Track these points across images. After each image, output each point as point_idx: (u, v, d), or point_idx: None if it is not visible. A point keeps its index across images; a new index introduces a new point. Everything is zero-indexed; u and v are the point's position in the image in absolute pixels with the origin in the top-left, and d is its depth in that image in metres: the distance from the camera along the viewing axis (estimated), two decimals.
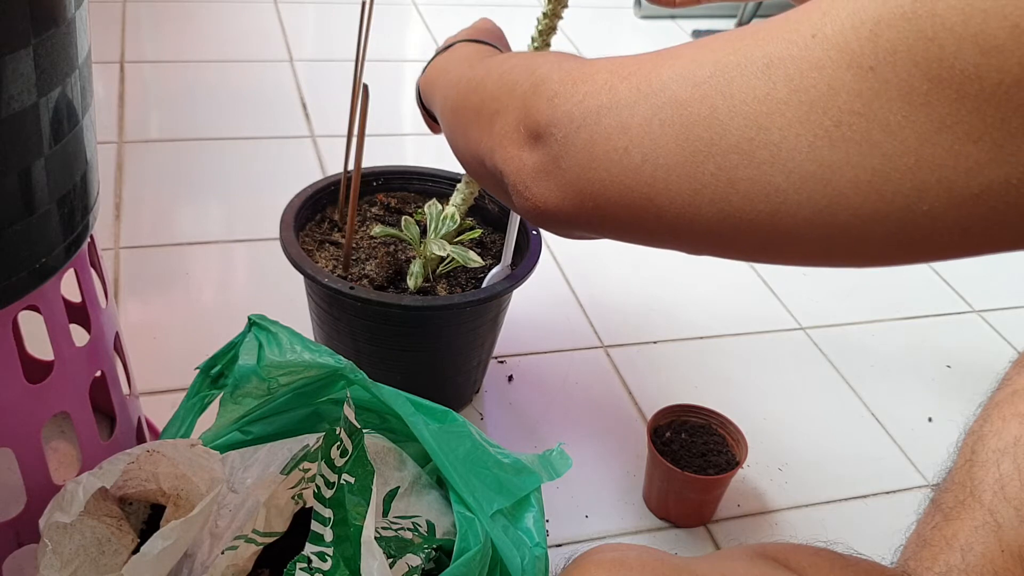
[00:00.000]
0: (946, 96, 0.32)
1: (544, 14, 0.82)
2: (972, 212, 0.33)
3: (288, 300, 1.08)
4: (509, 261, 0.97)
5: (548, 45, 0.84)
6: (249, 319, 0.68)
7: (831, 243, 0.38)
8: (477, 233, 0.97)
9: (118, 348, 0.78)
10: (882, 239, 0.36)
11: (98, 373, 0.73)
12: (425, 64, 0.76)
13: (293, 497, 0.59)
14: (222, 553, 0.56)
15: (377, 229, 0.94)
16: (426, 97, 0.73)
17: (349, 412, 0.55)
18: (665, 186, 0.41)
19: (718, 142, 0.38)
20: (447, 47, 0.73)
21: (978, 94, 0.31)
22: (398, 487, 0.64)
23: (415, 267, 0.91)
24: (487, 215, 1.05)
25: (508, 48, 0.76)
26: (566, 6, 0.83)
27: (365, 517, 0.54)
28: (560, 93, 0.46)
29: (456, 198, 0.95)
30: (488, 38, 0.74)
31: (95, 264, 0.73)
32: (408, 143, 1.50)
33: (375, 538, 0.53)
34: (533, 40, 0.83)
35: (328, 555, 0.54)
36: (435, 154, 1.40)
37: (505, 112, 0.51)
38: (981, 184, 0.32)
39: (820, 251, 0.39)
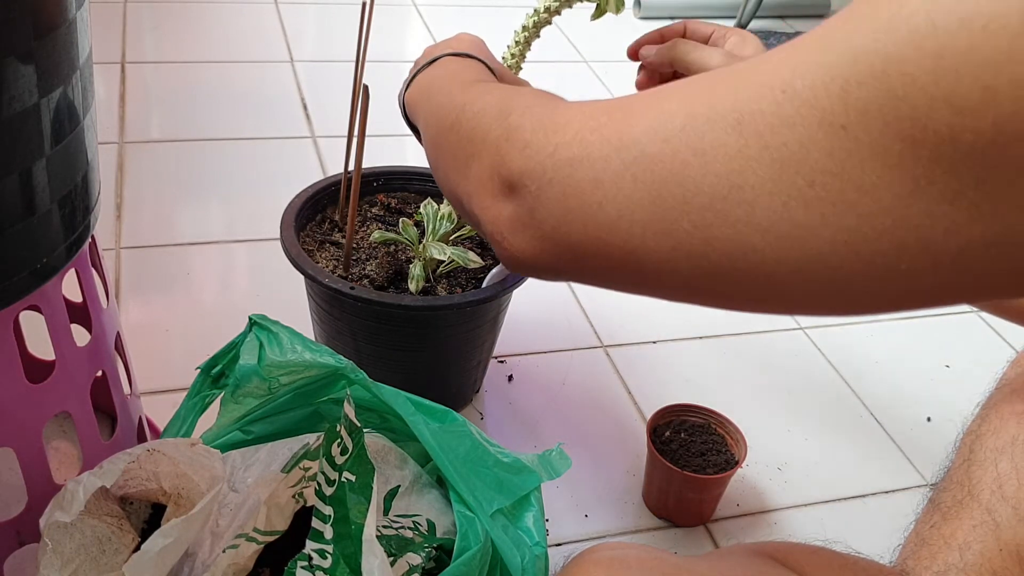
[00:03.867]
0: (920, 156, 0.31)
1: (545, 8, 0.82)
2: (953, 271, 0.33)
3: (288, 300, 1.08)
4: None
5: (538, 36, 0.84)
6: (250, 319, 0.68)
7: (813, 299, 0.37)
8: (475, 231, 0.97)
9: (119, 348, 0.78)
10: (864, 295, 0.36)
11: (99, 373, 0.73)
12: (407, 78, 0.74)
13: (294, 496, 0.59)
14: (223, 552, 0.56)
15: (376, 235, 0.94)
16: (411, 115, 0.72)
17: (349, 410, 0.55)
18: (642, 242, 0.40)
19: (691, 200, 0.38)
20: (432, 60, 0.72)
21: (953, 155, 0.30)
22: (399, 486, 0.64)
23: (415, 269, 0.91)
24: None
25: (491, 58, 0.75)
26: (549, 23, 0.83)
27: (366, 515, 0.54)
28: (532, 143, 0.45)
29: None
30: (471, 51, 0.74)
31: (96, 264, 0.74)
32: (408, 143, 1.50)
33: (376, 536, 0.53)
34: (524, 29, 0.83)
35: (328, 552, 0.55)
36: None
37: (480, 158, 0.50)
38: (960, 244, 0.32)
39: (803, 306, 0.39)
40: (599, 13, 0.81)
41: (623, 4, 0.80)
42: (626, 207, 0.40)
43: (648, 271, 0.41)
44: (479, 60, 0.72)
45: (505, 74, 0.75)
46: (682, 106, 0.39)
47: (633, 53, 0.82)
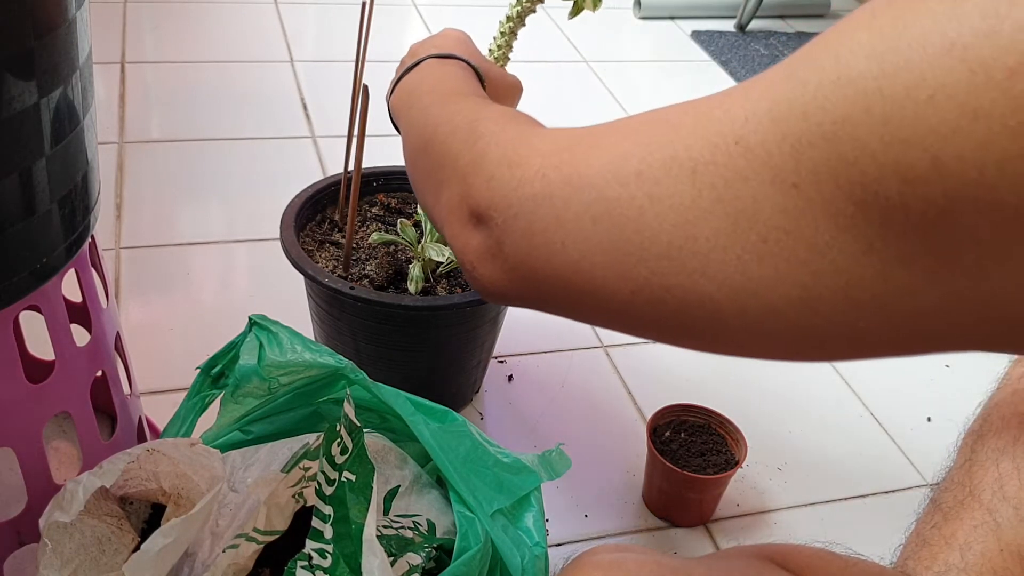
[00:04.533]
0: (872, 220, 0.31)
1: (513, 15, 0.82)
2: (909, 330, 0.32)
3: (288, 300, 1.08)
4: None
5: (523, 24, 0.83)
6: (250, 319, 0.68)
7: (772, 348, 0.37)
8: None
9: (119, 348, 0.78)
10: (822, 347, 0.35)
11: (99, 373, 0.73)
12: (392, 81, 0.74)
13: (294, 495, 0.59)
14: (223, 552, 0.56)
15: (374, 236, 0.94)
16: (395, 121, 0.72)
17: (349, 410, 0.55)
18: (603, 283, 0.40)
19: (648, 247, 0.37)
20: (415, 63, 0.71)
21: (904, 222, 0.30)
22: (399, 486, 0.64)
23: (415, 270, 0.91)
24: None
25: (476, 54, 0.75)
26: (533, 11, 0.83)
27: (366, 515, 0.54)
28: (496, 176, 0.45)
29: None
30: (455, 49, 0.73)
31: (96, 264, 0.74)
32: None
33: (376, 536, 0.53)
34: (509, 19, 0.83)
35: (328, 552, 0.55)
36: None
37: (449, 185, 0.50)
38: (914, 307, 0.31)
39: (762, 352, 0.38)
40: (576, 11, 0.81)
41: (600, 1, 0.80)
42: (587, 248, 0.40)
43: (612, 310, 0.41)
44: (463, 60, 0.71)
45: (491, 71, 0.75)
46: (638, 148, 0.39)
47: None
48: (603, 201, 0.39)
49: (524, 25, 0.84)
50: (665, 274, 0.37)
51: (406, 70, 0.71)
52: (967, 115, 0.27)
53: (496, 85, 0.75)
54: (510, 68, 0.86)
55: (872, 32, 0.30)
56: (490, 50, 0.86)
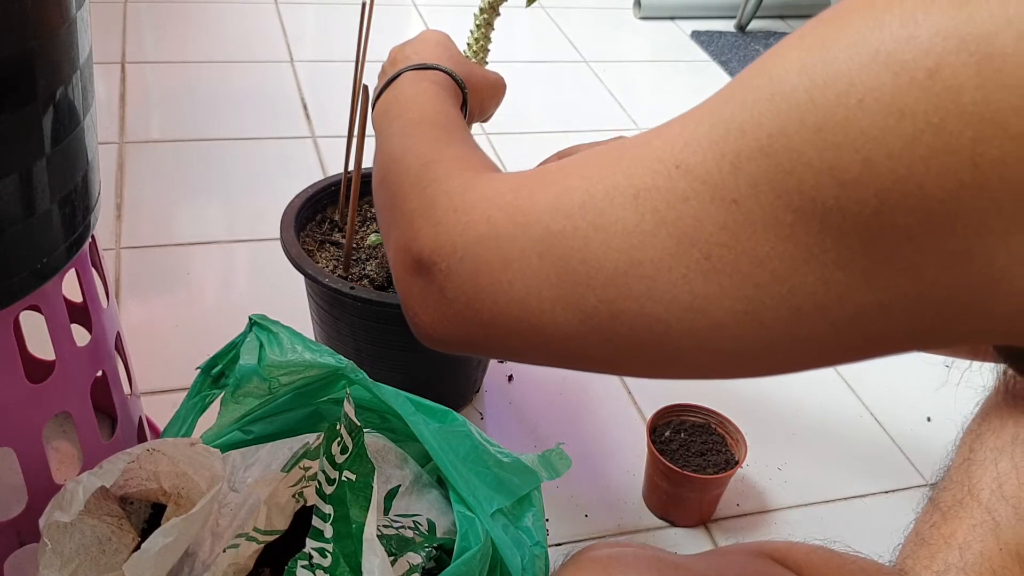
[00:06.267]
0: (810, 227, 0.32)
1: (486, 6, 0.81)
2: (851, 333, 0.33)
3: (288, 300, 1.08)
4: None
5: (498, 14, 0.82)
6: (250, 319, 0.68)
7: (723, 366, 0.38)
8: None
9: (119, 348, 0.78)
10: (770, 360, 0.36)
11: (99, 373, 0.73)
12: (377, 90, 0.73)
13: (294, 495, 0.59)
14: (223, 552, 0.56)
15: (372, 238, 0.95)
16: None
17: (349, 409, 0.55)
18: (552, 317, 0.40)
19: (595, 275, 0.38)
20: (394, 76, 0.71)
21: (841, 225, 0.31)
22: (399, 486, 0.64)
23: None
24: None
25: (456, 57, 0.75)
26: (498, 14, 0.82)
27: (366, 514, 0.54)
28: (443, 222, 0.46)
29: None
30: (435, 55, 0.73)
31: (96, 264, 0.74)
32: None
33: (376, 536, 0.53)
34: (482, 11, 0.82)
35: (329, 551, 0.55)
36: None
37: (397, 227, 0.50)
38: (855, 309, 0.32)
39: (714, 372, 0.39)
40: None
41: None
42: (534, 284, 0.41)
43: (560, 346, 0.41)
44: (441, 70, 0.71)
45: (472, 74, 0.74)
46: (582, 181, 0.39)
47: None
48: (549, 235, 0.40)
49: (499, 15, 0.83)
50: (613, 300, 0.38)
51: (385, 84, 0.71)
52: (894, 115, 0.29)
53: (478, 88, 0.75)
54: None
55: (802, 50, 0.32)
56: (468, 44, 0.85)
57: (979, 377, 0.76)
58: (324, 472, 0.55)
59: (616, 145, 0.40)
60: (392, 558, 0.56)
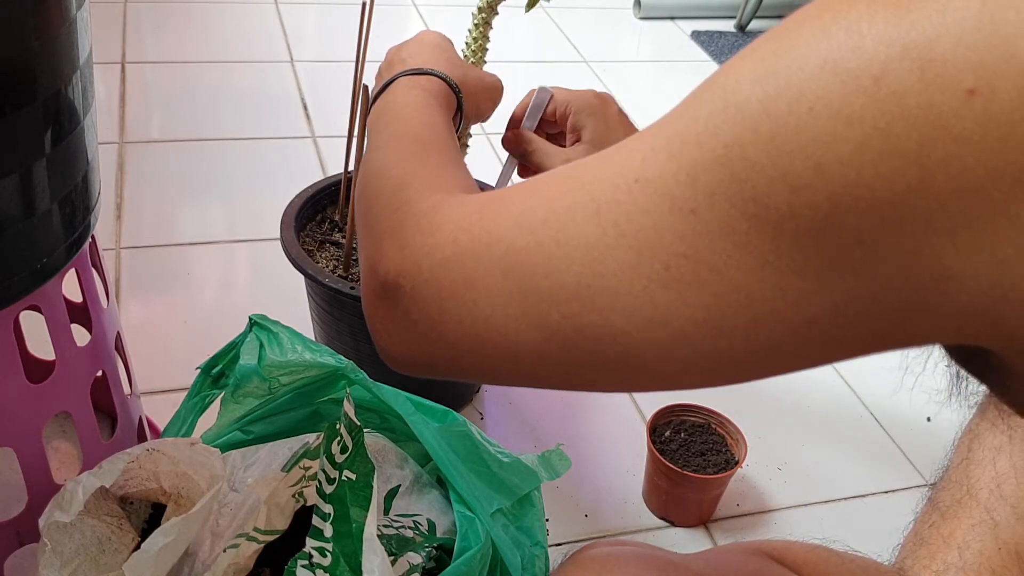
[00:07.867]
0: (765, 234, 0.33)
1: (484, 5, 0.81)
2: (809, 338, 0.34)
3: (288, 300, 1.08)
4: None
5: (496, 13, 0.82)
6: (250, 319, 0.68)
7: (686, 376, 0.39)
8: None
9: (119, 348, 0.79)
10: (731, 367, 0.37)
11: (99, 373, 0.73)
12: (373, 95, 0.73)
13: (294, 495, 0.59)
14: (223, 551, 0.56)
15: None
16: None
17: (349, 409, 0.55)
18: (516, 335, 0.41)
19: (558, 291, 0.39)
20: (390, 81, 0.71)
21: (795, 230, 0.32)
22: (399, 485, 0.64)
23: None
24: None
25: (453, 60, 0.75)
26: (496, 13, 0.82)
27: (366, 514, 0.54)
28: (409, 244, 0.46)
29: None
30: (431, 57, 0.73)
31: (96, 264, 0.74)
32: None
33: (376, 535, 0.53)
34: (480, 10, 0.82)
35: (329, 551, 0.55)
36: None
37: (366, 246, 0.51)
38: (811, 313, 0.33)
39: (678, 382, 0.40)
40: (531, 3, 0.80)
41: None
42: (499, 302, 0.41)
43: (527, 364, 0.42)
44: (436, 75, 0.71)
45: (468, 77, 0.74)
46: (544, 199, 0.40)
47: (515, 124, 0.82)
48: (512, 253, 0.41)
49: (497, 13, 0.83)
50: (576, 315, 0.39)
51: (380, 89, 0.71)
52: (842, 121, 0.30)
53: (474, 91, 0.75)
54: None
55: (754, 62, 0.33)
56: (466, 44, 0.84)
57: None
58: (324, 472, 0.55)
59: (578, 163, 0.41)
60: (392, 558, 0.56)
